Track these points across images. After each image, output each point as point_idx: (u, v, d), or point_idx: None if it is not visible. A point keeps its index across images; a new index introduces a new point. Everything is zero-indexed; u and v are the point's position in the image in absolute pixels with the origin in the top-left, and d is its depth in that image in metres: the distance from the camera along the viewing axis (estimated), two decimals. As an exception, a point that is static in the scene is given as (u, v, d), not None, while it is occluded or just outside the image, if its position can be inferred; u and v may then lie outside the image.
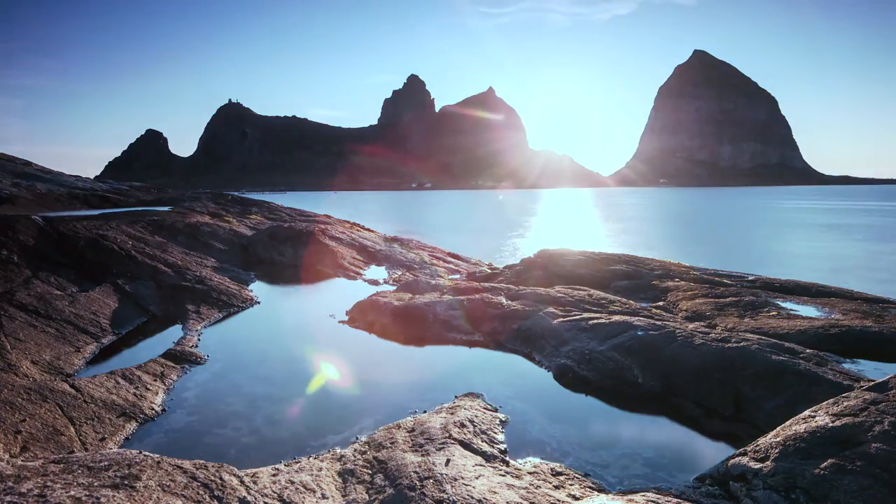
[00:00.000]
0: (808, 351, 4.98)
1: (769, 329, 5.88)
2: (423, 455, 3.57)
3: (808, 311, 6.69)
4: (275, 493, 3.02)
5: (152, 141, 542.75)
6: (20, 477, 2.61)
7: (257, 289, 9.73)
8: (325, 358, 6.22)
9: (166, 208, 16.12)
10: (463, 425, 4.09)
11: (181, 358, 5.79)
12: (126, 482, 2.65)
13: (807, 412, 3.40)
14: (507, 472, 3.45)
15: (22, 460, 2.94)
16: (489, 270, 12.13)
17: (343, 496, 3.19)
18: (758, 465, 3.05)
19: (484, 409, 4.58)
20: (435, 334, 6.95)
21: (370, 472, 3.45)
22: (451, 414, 4.32)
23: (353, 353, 6.49)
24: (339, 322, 7.70)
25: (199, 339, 6.61)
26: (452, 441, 3.81)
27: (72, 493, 2.47)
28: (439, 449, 3.66)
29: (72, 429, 4.07)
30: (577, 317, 6.64)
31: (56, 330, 6.08)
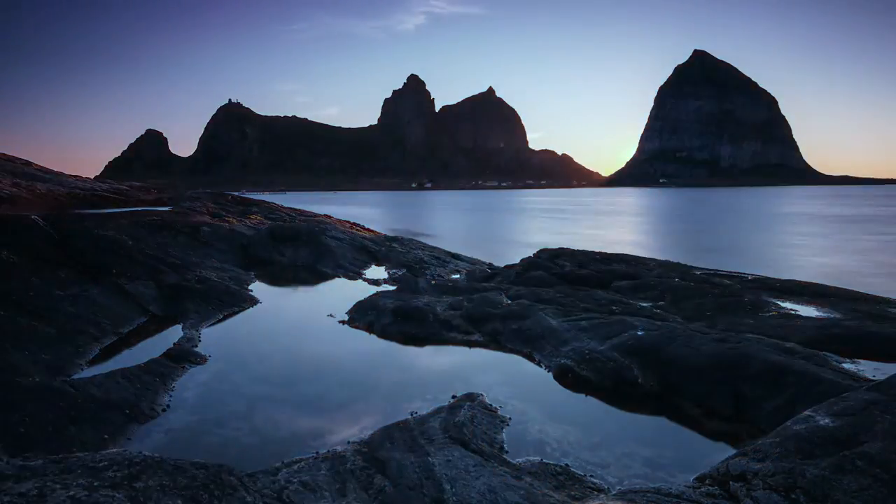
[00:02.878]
0: (808, 351, 4.98)
1: (769, 329, 5.88)
2: (422, 455, 3.57)
3: (807, 311, 6.69)
4: (274, 493, 3.02)
5: (152, 141, 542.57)
6: (20, 477, 2.61)
7: (257, 289, 9.73)
8: (325, 358, 6.22)
9: (166, 208, 16.11)
10: (463, 425, 4.09)
11: (181, 358, 5.79)
12: (126, 482, 2.64)
13: (807, 412, 3.40)
14: (507, 472, 3.45)
15: (22, 460, 2.94)
16: (489, 270, 12.13)
17: (343, 496, 3.19)
18: (758, 465, 3.04)
19: (484, 409, 4.58)
20: (435, 334, 6.95)
21: (370, 472, 3.45)
22: (451, 414, 4.32)
23: (353, 353, 6.49)
24: (339, 322, 7.70)
25: (199, 339, 6.61)
26: (452, 441, 3.81)
27: (72, 493, 2.47)
28: (439, 449, 3.66)
29: (72, 429, 4.07)
30: (577, 317, 6.64)
31: (56, 330, 6.08)
